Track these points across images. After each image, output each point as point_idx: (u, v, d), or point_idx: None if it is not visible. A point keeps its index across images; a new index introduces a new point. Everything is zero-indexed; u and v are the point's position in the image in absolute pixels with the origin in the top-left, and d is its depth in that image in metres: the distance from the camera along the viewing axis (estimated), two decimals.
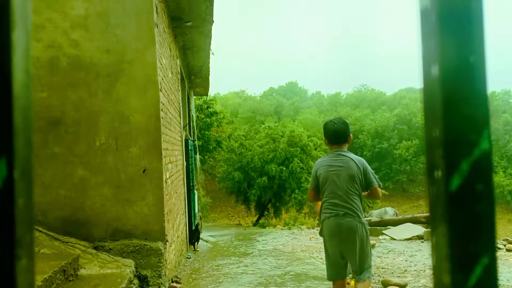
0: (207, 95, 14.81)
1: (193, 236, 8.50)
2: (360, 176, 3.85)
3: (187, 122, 10.05)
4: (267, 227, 17.00)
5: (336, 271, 3.99)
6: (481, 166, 0.41)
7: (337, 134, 3.96)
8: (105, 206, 4.34)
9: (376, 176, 3.99)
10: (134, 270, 4.12)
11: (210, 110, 21.84)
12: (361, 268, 3.86)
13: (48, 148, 4.28)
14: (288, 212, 23.71)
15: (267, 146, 22.74)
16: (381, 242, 9.56)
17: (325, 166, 3.96)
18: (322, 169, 3.97)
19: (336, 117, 4.13)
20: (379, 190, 3.99)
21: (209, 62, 9.93)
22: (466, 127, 0.42)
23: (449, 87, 0.42)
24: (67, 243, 4.08)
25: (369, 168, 3.94)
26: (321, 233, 4.08)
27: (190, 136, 10.37)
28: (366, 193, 3.98)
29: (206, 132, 22.65)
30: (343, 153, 3.93)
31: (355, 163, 3.87)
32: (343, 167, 3.87)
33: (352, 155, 3.95)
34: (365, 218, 5.98)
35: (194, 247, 8.47)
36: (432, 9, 0.43)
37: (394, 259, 7.67)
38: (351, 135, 4.03)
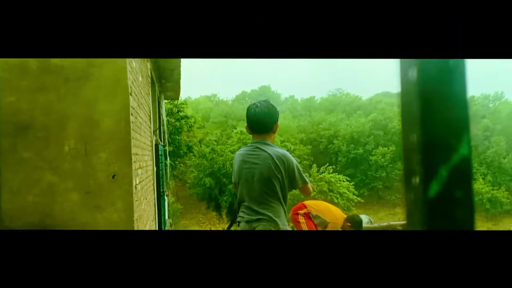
0: (178, 99, 14.68)
1: None
2: (280, 176, 3.15)
3: (158, 126, 9.96)
4: None
5: None
6: (461, 172, 0.42)
7: (257, 121, 3.23)
8: (74, 212, 4.26)
9: (302, 171, 3.31)
10: None
11: (181, 114, 21.65)
12: None
13: (17, 153, 4.18)
14: None
15: None
16: None
17: (240, 162, 3.29)
18: (237, 164, 3.31)
19: (261, 100, 3.34)
20: (309, 186, 3.31)
21: (180, 66, 9.87)
22: (445, 131, 0.42)
23: (427, 91, 0.42)
24: None
25: (294, 163, 3.21)
26: None
27: (161, 141, 10.26)
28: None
29: (177, 137, 22.44)
30: (262, 147, 3.22)
31: (274, 160, 3.15)
32: (257, 165, 3.18)
33: (272, 149, 3.21)
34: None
35: None
36: None
37: None
38: (277, 123, 3.29)
